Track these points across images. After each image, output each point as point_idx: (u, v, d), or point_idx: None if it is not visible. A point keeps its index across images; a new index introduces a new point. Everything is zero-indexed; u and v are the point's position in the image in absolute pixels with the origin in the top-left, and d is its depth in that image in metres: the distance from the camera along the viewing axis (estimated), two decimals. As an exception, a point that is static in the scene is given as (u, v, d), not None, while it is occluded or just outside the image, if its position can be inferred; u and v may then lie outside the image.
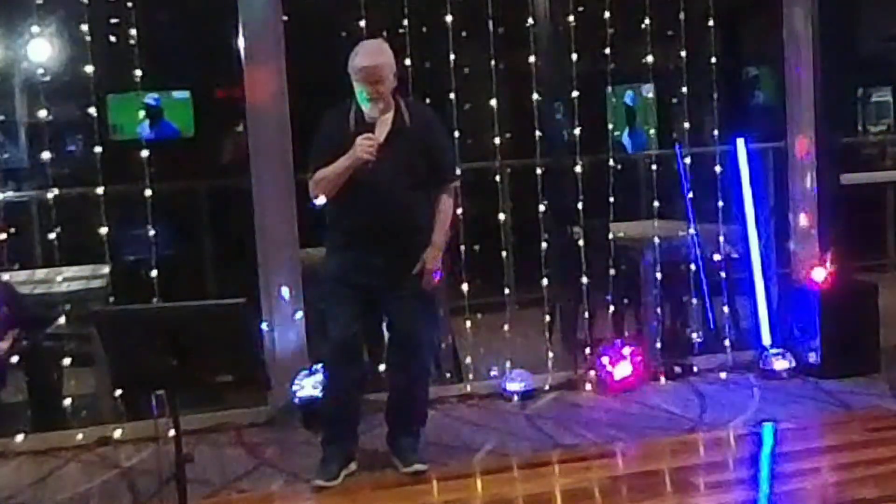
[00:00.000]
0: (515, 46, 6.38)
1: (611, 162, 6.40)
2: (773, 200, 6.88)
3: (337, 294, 4.85)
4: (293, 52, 5.80)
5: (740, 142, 6.61)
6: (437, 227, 4.85)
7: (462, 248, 6.01)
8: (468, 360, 6.26)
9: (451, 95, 5.98)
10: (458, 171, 5.14)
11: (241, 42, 5.74)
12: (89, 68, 5.52)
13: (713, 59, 6.47)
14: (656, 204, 6.53)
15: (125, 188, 5.87)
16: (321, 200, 4.84)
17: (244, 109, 5.82)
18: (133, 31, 5.53)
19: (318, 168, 4.78)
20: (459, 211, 5.73)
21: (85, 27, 5.52)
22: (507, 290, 6.58)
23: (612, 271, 6.38)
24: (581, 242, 6.33)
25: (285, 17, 5.78)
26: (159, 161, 5.88)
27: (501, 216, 6.32)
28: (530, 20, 6.20)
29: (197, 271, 7.62)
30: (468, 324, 6.19)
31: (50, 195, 5.61)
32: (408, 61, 5.74)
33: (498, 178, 6.45)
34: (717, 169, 6.59)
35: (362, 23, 5.73)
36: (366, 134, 4.65)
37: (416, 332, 4.90)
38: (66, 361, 5.65)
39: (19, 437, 5.47)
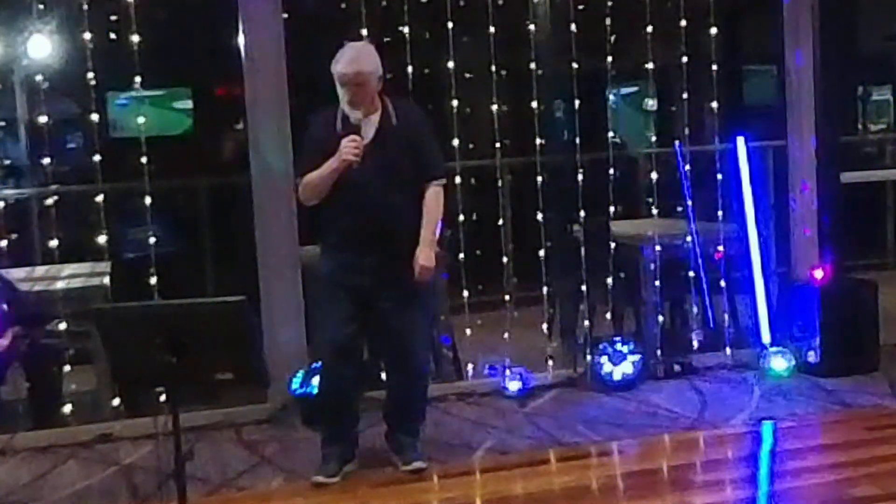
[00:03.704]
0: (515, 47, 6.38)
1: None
2: (773, 199, 6.87)
3: (331, 295, 4.85)
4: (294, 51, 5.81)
5: (740, 141, 6.61)
6: (426, 223, 4.80)
7: (461, 246, 6.02)
8: (468, 358, 6.27)
9: (452, 96, 5.99)
10: (445, 170, 5.02)
11: (241, 41, 5.74)
12: (89, 66, 5.52)
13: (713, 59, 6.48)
14: (656, 202, 6.54)
15: (125, 186, 5.87)
16: (311, 204, 4.83)
17: (244, 108, 5.82)
18: (133, 29, 5.53)
19: (306, 172, 4.77)
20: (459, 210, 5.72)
21: (85, 25, 5.52)
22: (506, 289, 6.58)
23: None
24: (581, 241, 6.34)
25: (285, 16, 5.78)
26: (159, 159, 5.88)
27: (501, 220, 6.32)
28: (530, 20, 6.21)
29: (197, 269, 7.62)
30: (468, 322, 6.20)
31: (50, 193, 5.60)
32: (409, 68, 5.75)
33: (498, 177, 6.45)
34: (717, 168, 6.60)
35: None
36: (351, 136, 4.62)
37: (410, 332, 4.89)
38: (66, 359, 5.64)
39: (19, 435, 5.47)
